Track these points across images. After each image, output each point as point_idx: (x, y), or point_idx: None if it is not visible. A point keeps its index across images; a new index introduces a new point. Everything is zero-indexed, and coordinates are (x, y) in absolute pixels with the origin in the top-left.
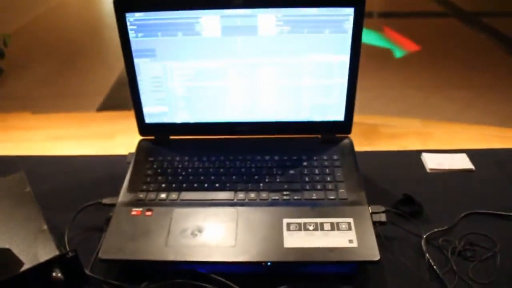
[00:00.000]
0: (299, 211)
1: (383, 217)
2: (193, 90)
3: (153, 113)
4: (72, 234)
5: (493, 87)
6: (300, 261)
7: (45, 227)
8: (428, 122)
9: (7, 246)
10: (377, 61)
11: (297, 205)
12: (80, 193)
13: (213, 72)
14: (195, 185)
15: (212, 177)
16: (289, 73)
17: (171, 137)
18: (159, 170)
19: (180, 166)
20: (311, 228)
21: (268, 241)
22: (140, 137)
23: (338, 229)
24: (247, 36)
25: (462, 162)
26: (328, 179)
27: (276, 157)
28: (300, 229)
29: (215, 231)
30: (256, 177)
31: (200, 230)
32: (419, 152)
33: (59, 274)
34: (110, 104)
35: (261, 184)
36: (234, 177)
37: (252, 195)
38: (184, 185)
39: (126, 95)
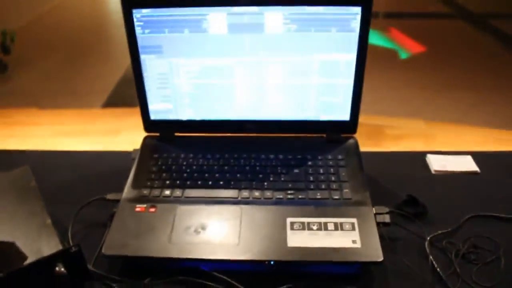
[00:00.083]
0: (303, 211)
1: (387, 218)
2: (199, 88)
3: (159, 110)
4: (76, 229)
5: (499, 89)
6: (303, 261)
7: (49, 221)
8: (433, 124)
9: (11, 240)
10: (382, 62)
11: (301, 205)
12: (84, 188)
13: (219, 70)
14: (199, 182)
15: (217, 175)
16: (295, 71)
17: (176, 134)
18: (163, 167)
19: (184, 163)
20: (314, 227)
21: (271, 240)
22: (145, 134)
23: (342, 229)
24: (254, 34)
25: (467, 165)
26: (333, 178)
27: (281, 156)
28: (303, 229)
29: (218, 229)
30: (260, 175)
31: (203, 228)
32: (424, 154)
33: (62, 269)
34: (115, 100)
35: (265, 183)
36: (238, 175)
37: (256, 193)
38: (188, 182)
39: (131, 91)
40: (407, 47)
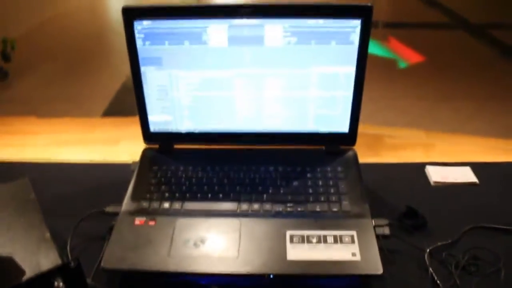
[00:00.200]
0: (302, 223)
1: (386, 230)
2: (198, 100)
3: (158, 121)
4: (75, 242)
5: (497, 99)
6: (303, 274)
7: (48, 234)
8: (432, 134)
9: (9, 254)
10: (382, 71)
11: (301, 217)
12: (83, 201)
13: (219, 82)
14: (199, 195)
15: (216, 188)
16: (295, 84)
17: (176, 146)
18: (162, 180)
19: (184, 175)
20: (314, 240)
21: (271, 253)
22: (144, 144)
23: (341, 241)
24: (254, 46)
25: (466, 176)
26: (332, 191)
27: (280, 168)
28: (303, 242)
29: (218, 242)
30: (259, 188)
31: (202, 241)
32: (423, 165)
33: (61, 284)
34: (114, 109)
35: (264, 195)
36: (237, 187)
37: (256, 206)
38: (187, 195)
39: (131, 100)
40: (406, 57)
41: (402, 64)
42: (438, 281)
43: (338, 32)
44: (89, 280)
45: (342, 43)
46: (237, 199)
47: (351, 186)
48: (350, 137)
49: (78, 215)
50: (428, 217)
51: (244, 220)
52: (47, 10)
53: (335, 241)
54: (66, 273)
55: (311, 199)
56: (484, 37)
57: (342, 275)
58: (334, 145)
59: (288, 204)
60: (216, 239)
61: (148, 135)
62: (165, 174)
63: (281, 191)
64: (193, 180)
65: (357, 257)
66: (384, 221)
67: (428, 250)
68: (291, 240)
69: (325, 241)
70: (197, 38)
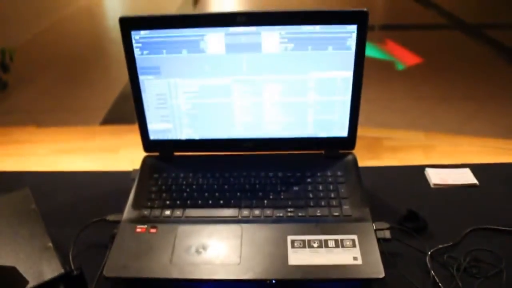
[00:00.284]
0: (303, 228)
1: (387, 234)
2: (197, 107)
3: (158, 129)
4: (77, 251)
5: (496, 98)
6: (305, 279)
7: (50, 244)
8: (431, 135)
9: (12, 264)
10: (380, 73)
11: (302, 222)
12: (84, 210)
13: (218, 89)
14: (200, 202)
15: (217, 194)
16: (293, 89)
17: (176, 153)
18: (163, 187)
19: (184, 182)
20: (315, 245)
21: (272, 258)
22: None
23: (343, 246)
24: (251, 53)
25: (466, 177)
26: (332, 195)
27: (280, 174)
28: (304, 246)
29: (219, 248)
30: (260, 193)
31: (204, 248)
32: (423, 167)
33: None
34: (113, 117)
35: (265, 201)
36: (238, 193)
37: (257, 212)
38: (188, 202)
39: (130, 108)
40: (404, 59)
41: (400, 66)
42: (440, 284)
43: (334, 38)
44: None
45: (339, 48)
46: (238, 205)
47: (351, 190)
48: (349, 141)
49: (80, 224)
50: (429, 219)
51: (245, 226)
52: (44, 20)
53: (337, 245)
54: (69, 282)
55: (311, 203)
56: (481, 37)
57: (344, 280)
58: (334, 150)
59: (289, 209)
60: (218, 246)
61: (148, 144)
62: (166, 181)
63: (282, 196)
64: (194, 187)
65: (359, 261)
66: (385, 225)
67: (429, 253)
68: (293, 245)
69: (327, 245)
70: (194, 47)
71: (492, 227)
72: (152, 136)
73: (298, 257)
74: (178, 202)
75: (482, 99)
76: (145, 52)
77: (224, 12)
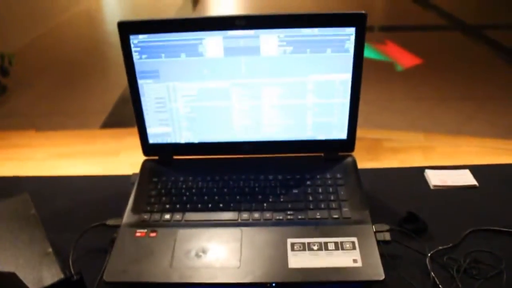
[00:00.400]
0: (303, 231)
1: (387, 236)
2: (196, 111)
3: (157, 133)
4: (77, 256)
5: (496, 99)
6: (305, 282)
7: (50, 249)
8: (431, 136)
9: (12, 270)
10: (379, 74)
11: (301, 225)
12: (84, 214)
13: (216, 93)
14: (199, 205)
15: (216, 197)
16: (292, 92)
17: (175, 157)
18: (163, 191)
19: (184, 186)
20: (315, 248)
21: (272, 261)
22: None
23: (342, 248)
24: (250, 56)
25: (466, 179)
26: (332, 198)
27: (280, 176)
28: (304, 249)
29: (219, 252)
30: (260, 196)
31: (204, 251)
32: (422, 169)
33: None
34: (113, 121)
35: (265, 204)
36: (238, 197)
37: (256, 215)
38: (188, 205)
39: (129, 112)
40: (403, 60)
41: (399, 67)
42: (440, 285)
43: (333, 41)
44: None
45: (338, 51)
46: (238, 209)
47: (351, 193)
48: (348, 144)
49: (80, 228)
50: (429, 221)
51: (245, 229)
52: (43, 24)
53: (336, 248)
54: (69, 287)
55: (311, 206)
56: (480, 38)
57: (344, 282)
58: (333, 152)
59: (289, 212)
60: (218, 249)
61: (147, 148)
62: (165, 185)
63: (281, 199)
64: (193, 190)
65: (359, 264)
66: (384, 227)
67: (429, 255)
68: (292, 248)
69: (326, 248)
70: (193, 50)
71: (492, 228)
72: (151, 140)
73: (298, 260)
74: (177, 206)
75: (481, 99)
76: (143, 56)
77: (222, 15)
